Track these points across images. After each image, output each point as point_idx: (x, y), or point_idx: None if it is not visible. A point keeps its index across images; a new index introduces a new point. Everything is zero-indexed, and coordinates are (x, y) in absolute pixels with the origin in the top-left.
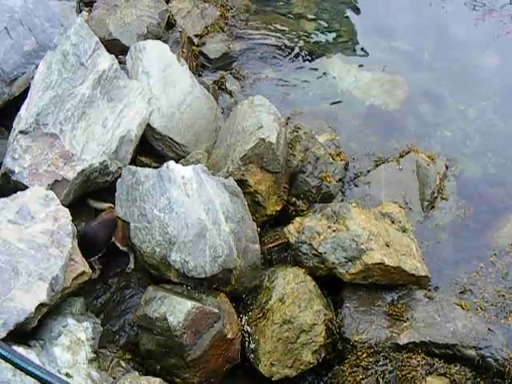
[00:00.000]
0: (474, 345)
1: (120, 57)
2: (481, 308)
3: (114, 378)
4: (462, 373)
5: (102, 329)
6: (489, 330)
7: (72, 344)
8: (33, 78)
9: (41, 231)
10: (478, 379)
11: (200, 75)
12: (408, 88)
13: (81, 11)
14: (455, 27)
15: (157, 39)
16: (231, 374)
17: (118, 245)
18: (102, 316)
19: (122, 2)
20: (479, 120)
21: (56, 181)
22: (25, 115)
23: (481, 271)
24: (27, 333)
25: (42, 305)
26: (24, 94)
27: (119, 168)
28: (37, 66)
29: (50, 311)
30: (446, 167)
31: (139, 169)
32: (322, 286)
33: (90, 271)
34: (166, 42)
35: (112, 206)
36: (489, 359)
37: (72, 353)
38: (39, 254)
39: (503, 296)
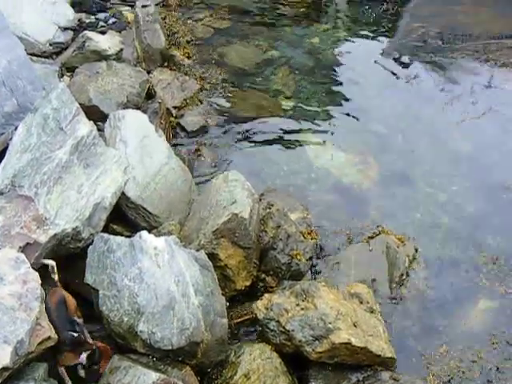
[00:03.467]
0: None
1: (99, 123)
2: None
3: None
4: None
5: None
6: None
7: None
8: (11, 138)
9: (9, 293)
10: None
11: (176, 146)
12: (380, 169)
13: (63, 75)
14: (425, 111)
15: (136, 108)
16: None
17: (75, 318)
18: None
19: (104, 70)
20: (449, 204)
21: (28, 243)
22: (0, 176)
23: (448, 354)
24: None
25: (4, 369)
26: (1, 155)
27: (91, 235)
28: (16, 128)
29: (12, 375)
30: (416, 250)
31: (112, 237)
32: (288, 363)
33: (56, 336)
34: (144, 111)
35: (53, 264)
36: None
37: None
38: (5, 317)
39: (464, 374)
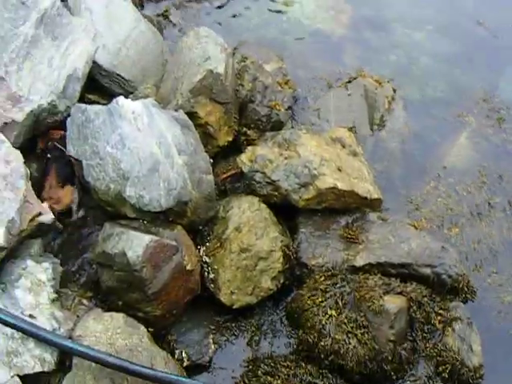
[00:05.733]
0: (429, 263)
1: None
2: (432, 224)
3: (78, 316)
4: (418, 290)
5: (61, 269)
6: (442, 247)
7: (33, 285)
8: None
9: None
10: (434, 296)
11: (144, 9)
12: (353, 13)
13: None
14: None
15: None
16: (193, 305)
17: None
18: (61, 256)
19: None
20: (424, 44)
21: (5, 123)
22: None
23: (432, 190)
24: None
25: (0, 249)
26: None
27: (68, 107)
28: None
29: (9, 255)
30: (394, 90)
31: (89, 106)
32: (277, 213)
33: (51, 214)
34: None
35: None
36: (443, 276)
37: (34, 294)
38: None
39: (452, 210)
